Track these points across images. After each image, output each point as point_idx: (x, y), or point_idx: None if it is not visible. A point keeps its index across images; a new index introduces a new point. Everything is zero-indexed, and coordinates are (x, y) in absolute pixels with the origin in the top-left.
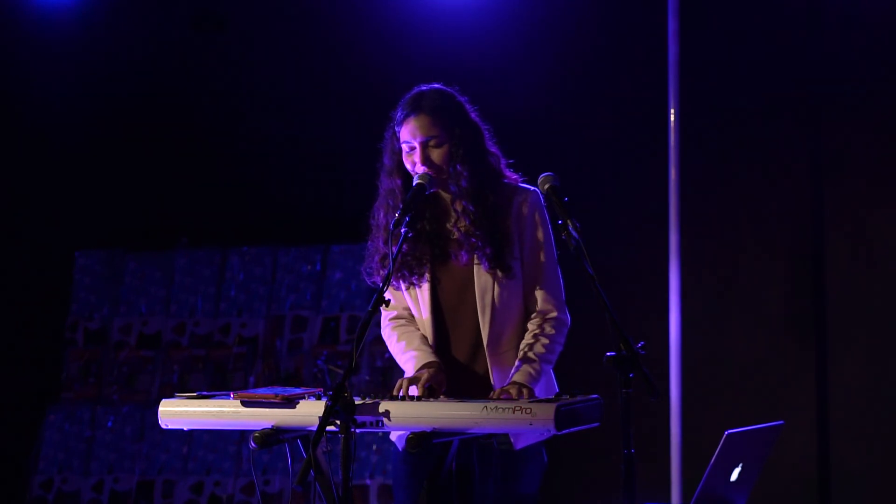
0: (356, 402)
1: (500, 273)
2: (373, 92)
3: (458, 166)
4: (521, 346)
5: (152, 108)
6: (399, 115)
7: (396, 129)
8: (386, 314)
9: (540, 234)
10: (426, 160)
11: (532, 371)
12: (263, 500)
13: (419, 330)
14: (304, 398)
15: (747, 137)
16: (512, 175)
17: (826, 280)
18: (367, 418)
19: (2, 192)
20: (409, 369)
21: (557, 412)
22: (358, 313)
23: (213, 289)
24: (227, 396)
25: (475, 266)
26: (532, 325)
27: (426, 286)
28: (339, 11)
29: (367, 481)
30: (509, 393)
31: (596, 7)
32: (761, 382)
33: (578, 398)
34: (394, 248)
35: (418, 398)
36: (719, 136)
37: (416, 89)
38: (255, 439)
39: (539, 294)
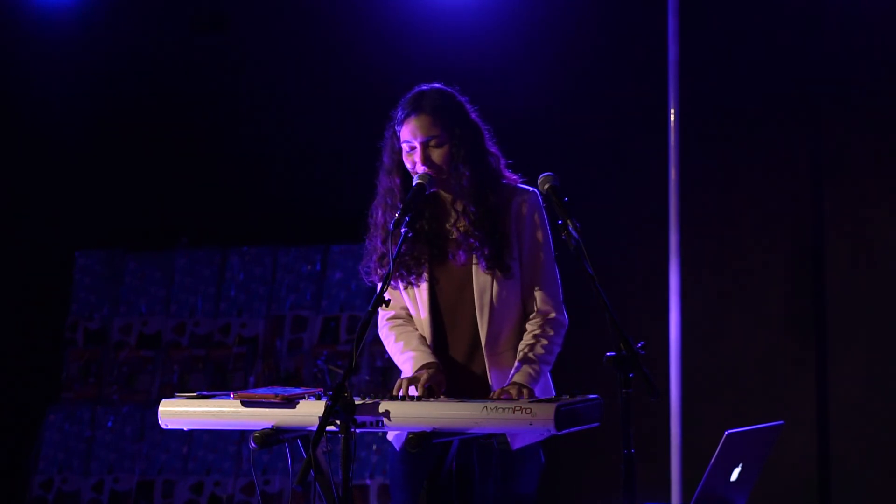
0: (356, 402)
1: (498, 273)
2: (373, 92)
3: (459, 166)
4: (521, 347)
5: (152, 109)
6: (400, 114)
7: (397, 128)
8: (383, 314)
9: (539, 235)
10: (426, 160)
11: (532, 372)
12: (263, 500)
13: (417, 330)
14: (304, 398)
15: (747, 137)
16: (511, 175)
17: (826, 280)
18: (367, 418)
19: (2, 192)
20: (408, 370)
21: (557, 412)
22: (358, 313)
23: (213, 289)
24: (227, 396)
25: (473, 266)
26: (531, 326)
27: (424, 286)
28: (339, 11)
29: (367, 481)
30: (509, 393)
31: (596, 7)
32: (761, 382)
33: (578, 398)
34: (393, 249)
35: (418, 398)
36: (719, 136)
37: (416, 89)
38: (255, 439)
39: (538, 295)
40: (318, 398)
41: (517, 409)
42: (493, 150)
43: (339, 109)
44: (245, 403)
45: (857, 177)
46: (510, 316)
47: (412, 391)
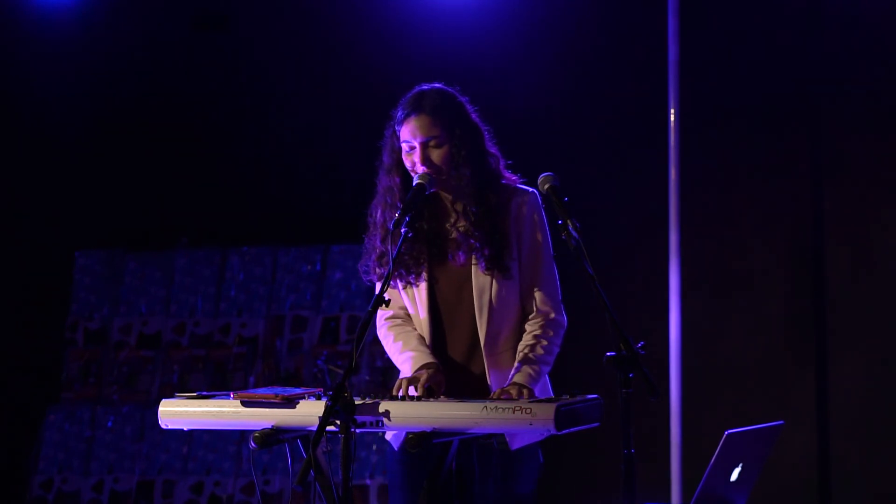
0: (356, 402)
1: (497, 273)
2: (373, 92)
3: (459, 167)
4: (521, 348)
5: (152, 108)
6: (400, 114)
7: (397, 127)
8: (382, 313)
9: (538, 236)
10: (426, 160)
11: (532, 372)
12: (263, 500)
13: (415, 330)
14: (304, 398)
15: (747, 137)
16: (510, 176)
17: (826, 280)
18: (367, 418)
19: (2, 192)
20: (406, 370)
21: (557, 412)
22: (358, 313)
23: (213, 289)
24: (227, 396)
25: (473, 266)
26: (531, 327)
27: (423, 285)
28: (339, 11)
29: (367, 481)
30: (509, 393)
31: (596, 7)
32: (761, 382)
33: (578, 398)
34: (393, 249)
35: (418, 398)
36: (719, 136)
37: (417, 88)
38: (255, 439)
39: (537, 295)
40: (318, 398)
41: (517, 409)
42: (493, 150)
43: (339, 109)
44: (245, 403)
45: (857, 177)
46: (509, 316)
47: (412, 391)
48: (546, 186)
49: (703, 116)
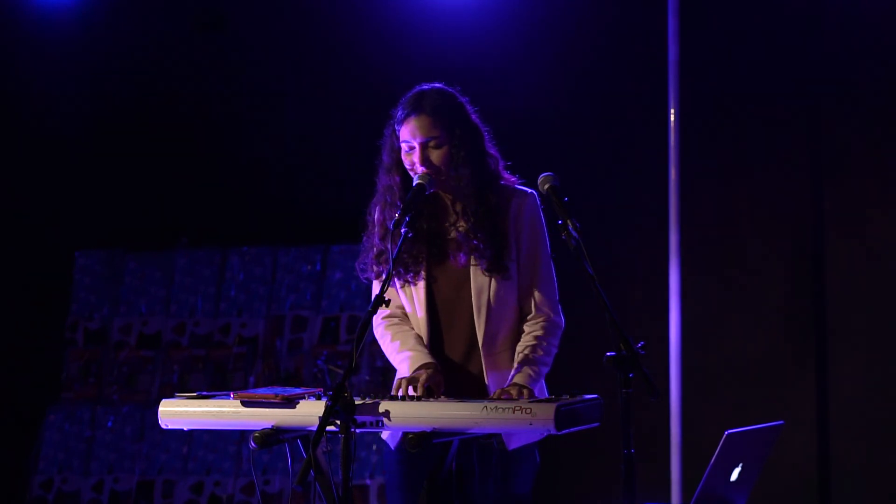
0: (356, 402)
1: (496, 274)
2: (373, 92)
3: (458, 168)
4: (520, 349)
5: (152, 109)
6: (400, 113)
7: (396, 127)
8: (379, 312)
9: (537, 237)
10: (425, 161)
11: (532, 373)
12: (263, 500)
13: (413, 329)
14: (304, 398)
15: (747, 137)
16: (509, 177)
17: (826, 280)
18: (367, 418)
19: (2, 192)
20: (404, 369)
21: (557, 412)
22: (358, 313)
23: (213, 289)
24: (227, 396)
25: (472, 266)
26: (529, 328)
27: (422, 284)
28: (339, 11)
29: (367, 481)
30: (509, 394)
31: (596, 7)
32: (761, 382)
33: (578, 398)
34: (393, 249)
35: (418, 398)
36: (719, 136)
37: (417, 88)
38: (255, 439)
39: (536, 296)
40: (318, 398)
41: (517, 409)
42: (493, 151)
43: (339, 109)
44: (245, 403)
45: (857, 177)
46: (507, 316)
47: (411, 391)
48: (546, 186)
49: (703, 116)
